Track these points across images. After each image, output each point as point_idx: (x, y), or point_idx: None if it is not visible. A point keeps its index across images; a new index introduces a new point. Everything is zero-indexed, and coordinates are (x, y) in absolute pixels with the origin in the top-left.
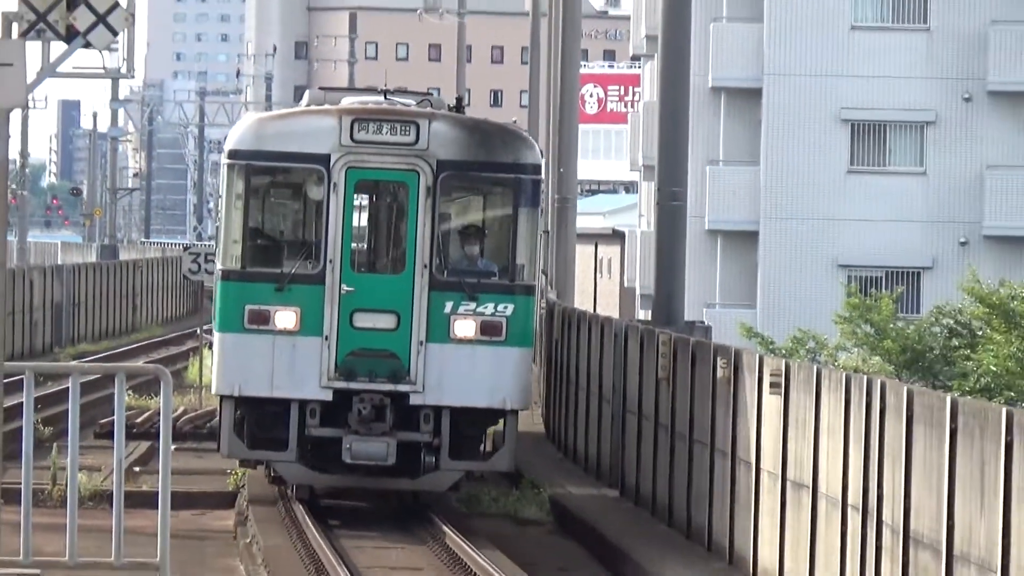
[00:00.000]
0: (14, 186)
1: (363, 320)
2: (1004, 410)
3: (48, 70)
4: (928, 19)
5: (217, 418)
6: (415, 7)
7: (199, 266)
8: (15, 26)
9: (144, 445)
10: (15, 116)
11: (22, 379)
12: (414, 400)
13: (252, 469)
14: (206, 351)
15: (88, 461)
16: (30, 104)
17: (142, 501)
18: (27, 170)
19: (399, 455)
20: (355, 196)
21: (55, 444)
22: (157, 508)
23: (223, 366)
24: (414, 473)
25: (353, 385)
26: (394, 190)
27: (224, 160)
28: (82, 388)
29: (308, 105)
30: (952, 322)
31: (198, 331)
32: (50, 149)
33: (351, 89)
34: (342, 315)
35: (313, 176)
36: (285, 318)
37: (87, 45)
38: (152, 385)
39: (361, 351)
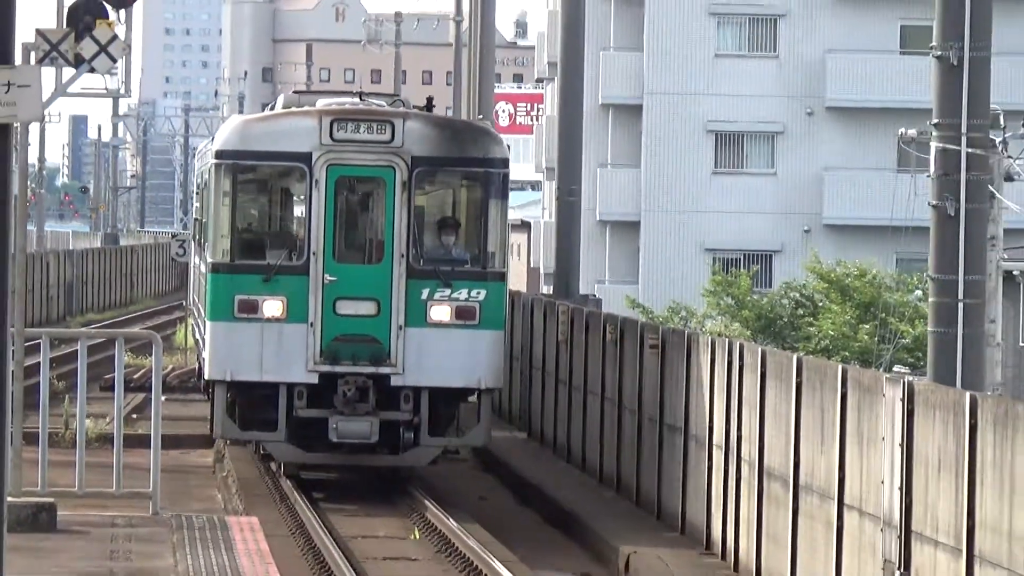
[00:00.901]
0: (33, 185)
1: (345, 307)
2: (840, 367)
3: (60, 90)
4: (777, 48)
5: (209, 402)
6: (359, 39)
7: (184, 250)
8: (32, 54)
9: (140, 396)
10: (34, 128)
11: (39, 343)
12: (395, 381)
13: (242, 447)
14: (188, 320)
15: (93, 410)
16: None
17: (137, 442)
18: (44, 172)
19: (381, 433)
20: (335, 191)
21: (66, 396)
22: (150, 447)
23: (215, 353)
24: (396, 450)
25: (337, 368)
26: (372, 185)
27: (211, 160)
28: (88, 350)
29: (284, 107)
30: (798, 295)
31: (184, 303)
32: (63, 155)
33: (323, 92)
34: (326, 303)
35: (296, 173)
36: (272, 307)
37: (92, 70)
38: (146, 347)
39: (344, 336)
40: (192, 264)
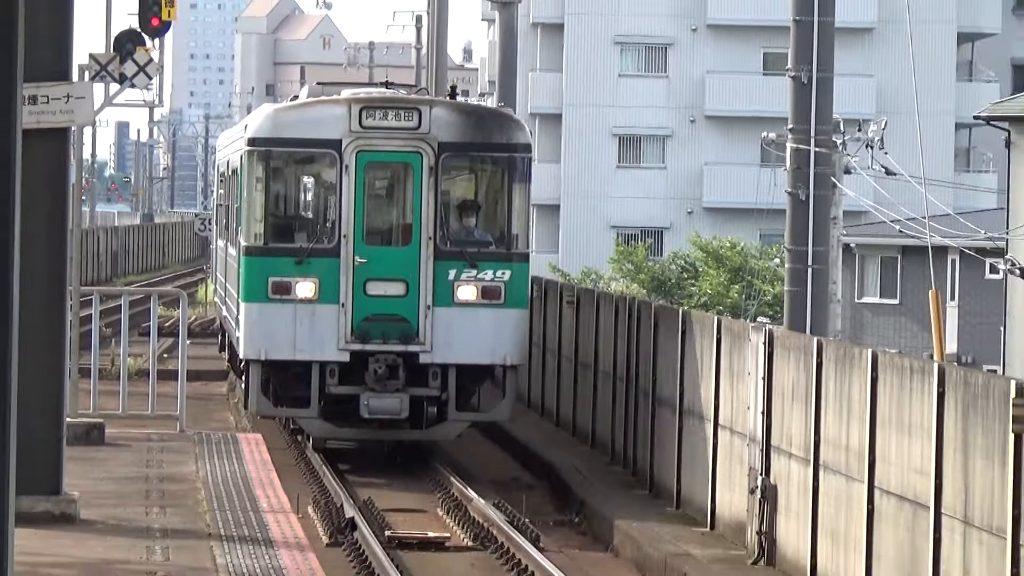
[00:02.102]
0: (86, 175)
1: (375, 288)
2: (715, 318)
3: (107, 101)
4: (667, 70)
5: (244, 380)
6: (342, 63)
7: (204, 226)
8: (86, 73)
9: (169, 340)
10: (87, 130)
11: (91, 299)
12: (423, 359)
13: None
14: (209, 282)
15: (133, 351)
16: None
17: (167, 375)
18: (95, 165)
19: (410, 409)
20: (364, 176)
21: (112, 340)
22: (177, 380)
23: (249, 333)
24: (423, 424)
25: (368, 347)
26: (400, 170)
27: (244, 147)
28: (129, 304)
29: (307, 98)
30: (683, 262)
31: (204, 268)
32: (110, 152)
33: (345, 84)
34: (356, 284)
35: (326, 159)
36: (305, 288)
37: (132, 86)
38: (175, 302)
39: (374, 316)
40: (216, 246)
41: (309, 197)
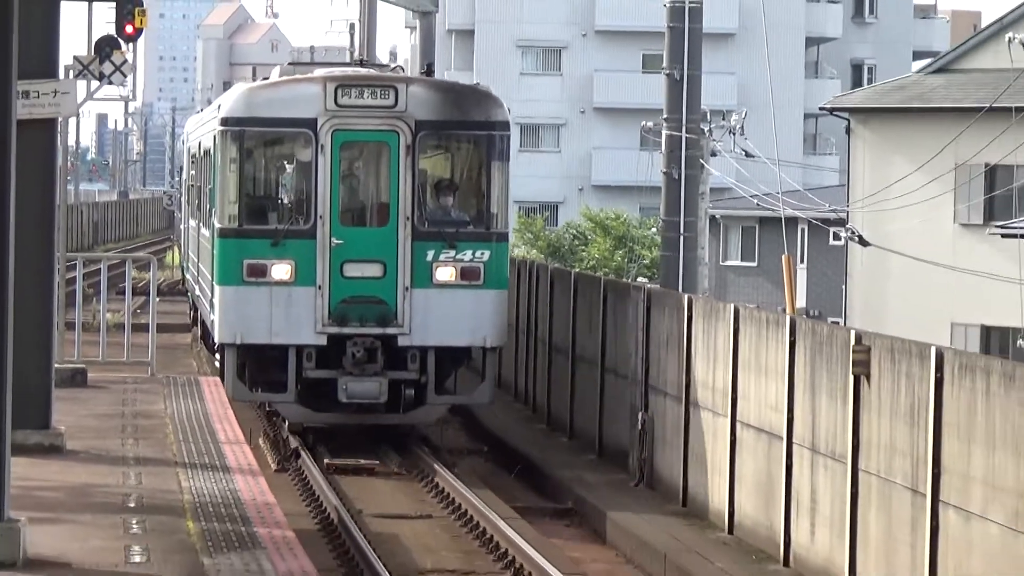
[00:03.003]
0: (71, 158)
1: (352, 270)
2: (602, 279)
3: (88, 96)
4: (561, 69)
5: (220, 364)
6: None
7: (171, 200)
8: (71, 72)
9: (142, 298)
10: (72, 121)
11: (76, 263)
12: (402, 342)
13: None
14: (175, 248)
15: (111, 307)
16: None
17: (140, 328)
18: (78, 150)
19: (388, 393)
20: (340, 156)
21: (93, 298)
22: (148, 331)
23: (224, 317)
24: (403, 408)
25: (345, 330)
26: (377, 149)
27: (218, 127)
28: (108, 268)
29: (280, 78)
30: (575, 232)
31: (171, 237)
32: (91, 139)
33: (318, 63)
34: (333, 266)
35: (301, 139)
36: (281, 270)
37: (110, 83)
38: (146, 265)
39: (352, 298)
40: (187, 225)
41: (284, 177)
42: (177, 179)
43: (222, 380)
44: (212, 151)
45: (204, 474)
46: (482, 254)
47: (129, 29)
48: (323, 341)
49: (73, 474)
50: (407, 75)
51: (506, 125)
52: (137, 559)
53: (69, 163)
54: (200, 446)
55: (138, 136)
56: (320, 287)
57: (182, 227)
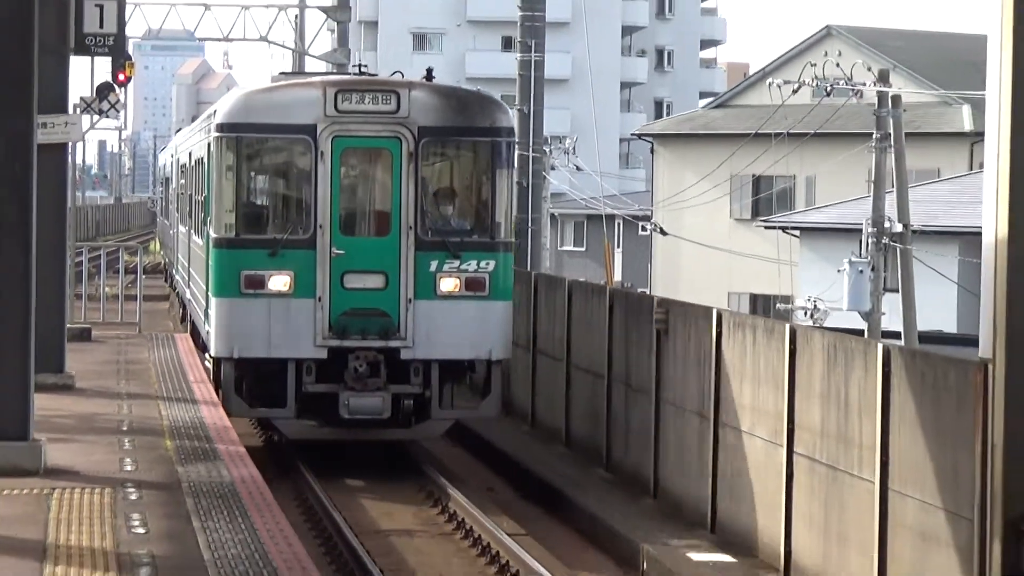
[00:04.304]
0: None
1: (353, 281)
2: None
3: (91, 127)
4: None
5: (214, 379)
6: None
7: (154, 204)
8: (77, 108)
9: (131, 276)
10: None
11: (81, 250)
12: (404, 355)
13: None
14: (156, 240)
15: (109, 282)
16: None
17: (130, 298)
18: (84, 166)
19: (391, 407)
20: (341, 163)
21: (95, 275)
22: (137, 300)
23: (221, 330)
24: (405, 423)
25: (346, 343)
26: (378, 156)
27: (213, 133)
28: (107, 254)
29: (278, 83)
30: None
31: (153, 231)
32: (94, 158)
33: (312, 73)
34: (333, 277)
35: (300, 145)
36: (279, 281)
37: (107, 117)
38: (135, 252)
39: (353, 311)
40: (175, 231)
41: (282, 185)
42: (159, 188)
43: (217, 393)
44: (207, 158)
45: (178, 405)
46: (487, 264)
47: (121, 77)
48: (323, 355)
49: (81, 406)
50: (409, 80)
51: (511, 131)
52: (128, 468)
53: (77, 176)
54: (175, 384)
55: (128, 156)
56: (320, 299)
57: (171, 231)
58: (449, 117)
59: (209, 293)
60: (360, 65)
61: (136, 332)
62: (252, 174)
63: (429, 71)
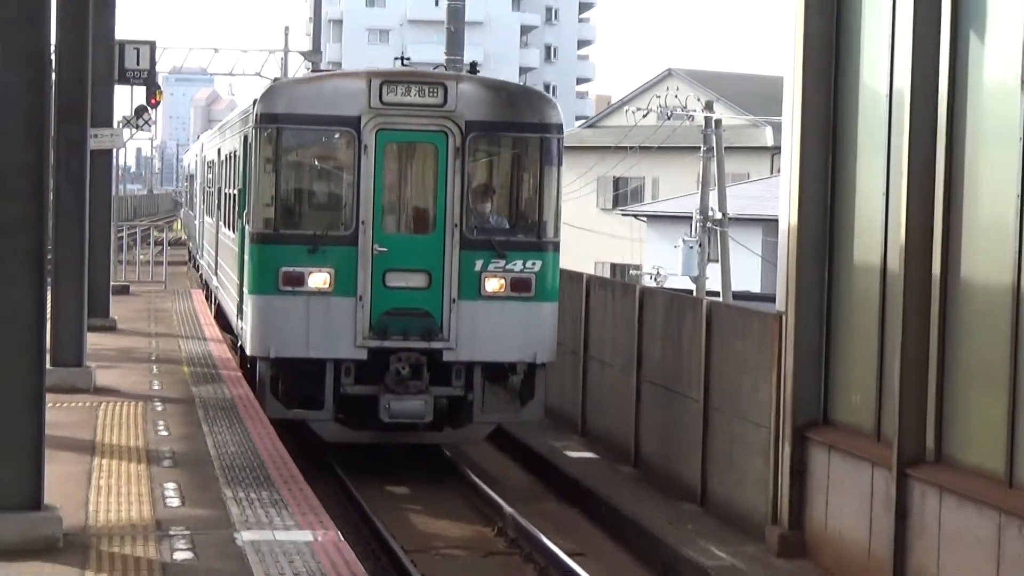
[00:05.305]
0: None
1: (396, 280)
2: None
3: (130, 136)
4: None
5: (252, 377)
6: None
7: (179, 195)
8: (120, 123)
9: (159, 247)
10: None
11: (122, 228)
12: (447, 356)
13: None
14: (178, 221)
15: (143, 252)
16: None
17: (158, 263)
18: (125, 165)
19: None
20: (385, 157)
21: (133, 247)
22: (163, 264)
23: (257, 328)
24: (447, 427)
25: (387, 344)
26: (423, 151)
27: (253, 124)
28: (141, 231)
29: (321, 73)
30: None
31: (177, 215)
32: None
33: (343, 71)
34: (375, 275)
35: (343, 138)
36: (319, 279)
37: (142, 130)
38: (162, 229)
39: (395, 310)
40: (200, 221)
41: (324, 179)
42: (184, 184)
43: (254, 391)
44: (243, 151)
45: (192, 342)
46: (533, 264)
47: (152, 101)
48: (363, 355)
49: (121, 342)
50: (457, 73)
51: (560, 128)
52: (156, 387)
53: (119, 173)
54: (191, 326)
55: (158, 159)
56: (361, 297)
57: (195, 221)
58: (497, 111)
59: (245, 290)
60: (403, 57)
61: (162, 288)
62: (292, 167)
63: (473, 64)
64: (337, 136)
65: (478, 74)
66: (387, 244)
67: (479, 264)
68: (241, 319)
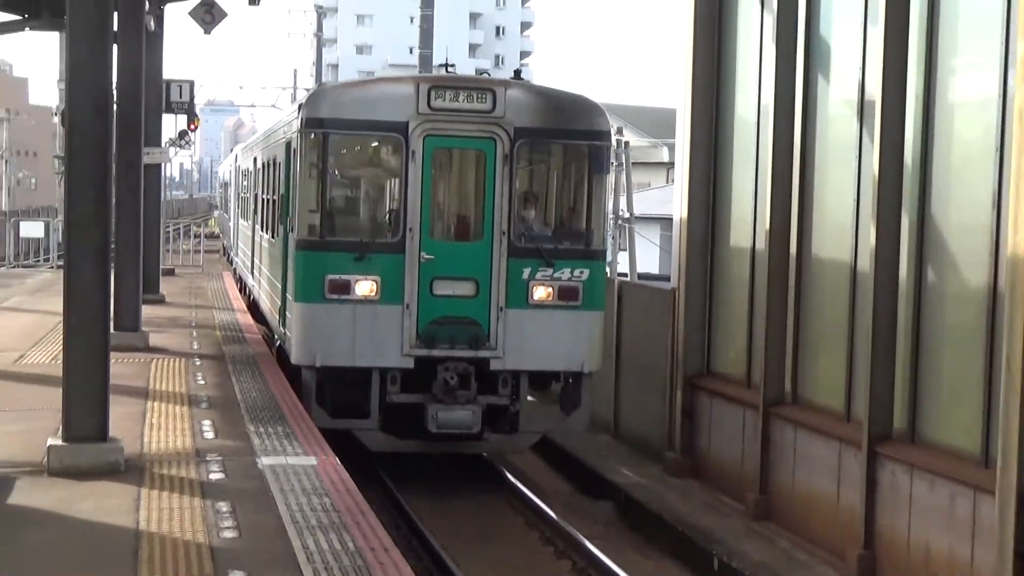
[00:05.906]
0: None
1: (443, 288)
2: None
3: (175, 154)
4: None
5: (298, 385)
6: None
7: (214, 199)
8: (167, 143)
9: (198, 240)
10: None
11: (168, 225)
12: (494, 365)
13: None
14: (213, 220)
15: (185, 243)
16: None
17: (197, 252)
18: (170, 176)
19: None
20: (433, 163)
21: (178, 239)
22: (201, 252)
23: (303, 336)
24: (494, 436)
25: (435, 352)
26: (472, 157)
27: (298, 128)
28: (183, 226)
29: (368, 78)
30: None
31: (213, 215)
32: (177, 172)
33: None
34: (422, 283)
35: (390, 144)
36: (365, 287)
37: (184, 149)
38: (200, 225)
39: (442, 319)
40: (234, 223)
41: (370, 185)
42: (220, 190)
43: (299, 398)
44: (287, 157)
45: (223, 312)
46: (581, 273)
47: (192, 126)
48: (410, 364)
49: (169, 312)
50: (505, 79)
51: (609, 136)
52: (195, 347)
53: (166, 182)
54: (222, 300)
55: (196, 171)
56: (408, 306)
57: (229, 223)
58: (547, 118)
59: (289, 296)
60: (447, 64)
61: (200, 271)
62: (338, 173)
63: (516, 72)
64: (384, 141)
65: (521, 80)
66: (434, 252)
67: (527, 272)
68: (284, 326)
